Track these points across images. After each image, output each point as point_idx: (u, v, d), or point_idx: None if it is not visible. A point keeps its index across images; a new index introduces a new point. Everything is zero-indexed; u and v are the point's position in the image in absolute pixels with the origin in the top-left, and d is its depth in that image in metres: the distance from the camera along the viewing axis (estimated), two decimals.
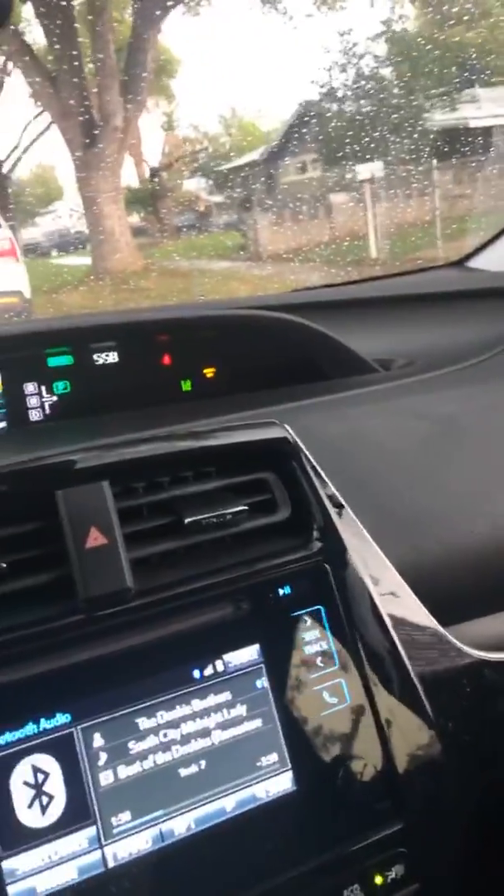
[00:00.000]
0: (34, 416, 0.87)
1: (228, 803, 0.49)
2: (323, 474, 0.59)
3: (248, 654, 0.52)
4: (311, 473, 0.59)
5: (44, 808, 0.46)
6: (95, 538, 0.51)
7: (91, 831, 0.46)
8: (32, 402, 0.87)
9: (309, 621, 0.54)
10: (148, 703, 0.49)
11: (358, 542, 0.58)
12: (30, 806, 0.46)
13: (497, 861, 0.59)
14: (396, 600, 0.57)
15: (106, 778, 0.47)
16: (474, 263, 1.24)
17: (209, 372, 0.93)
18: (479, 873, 0.57)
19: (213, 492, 0.58)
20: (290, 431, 0.60)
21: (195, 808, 0.48)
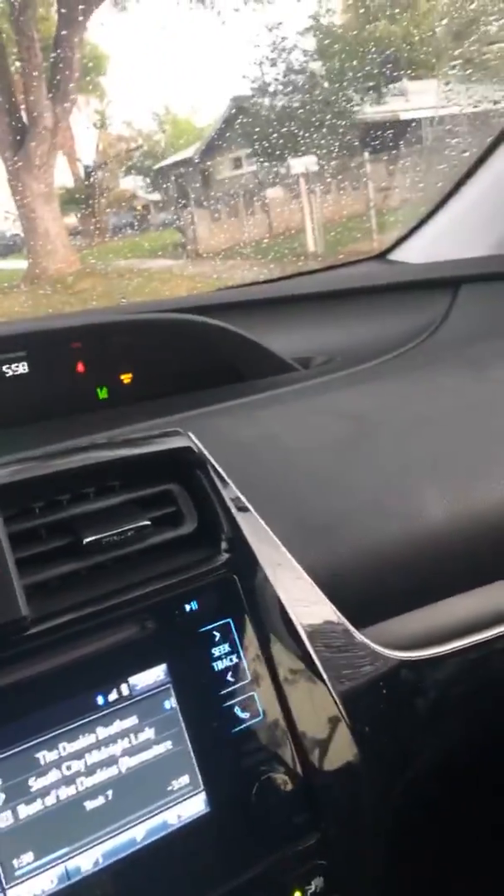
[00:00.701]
0: None
1: (138, 833, 0.47)
2: (228, 480, 0.58)
3: (154, 675, 0.50)
4: (217, 482, 0.57)
5: None
6: None
7: None
8: None
9: (218, 636, 0.53)
10: (49, 736, 0.47)
11: (268, 550, 0.56)
12: None
13: (416, 866, 0.59)
14: (309, 606, 0.56)
15: (5, 819, 0.45)
16: (395, 256, 1.24)
17: (126, 378, 0.90)
18: (400, 880, 0.56)
19: (117, 507, 0.56)
20: (195, 440, 0.59)
21: (102, 841, 0.47)
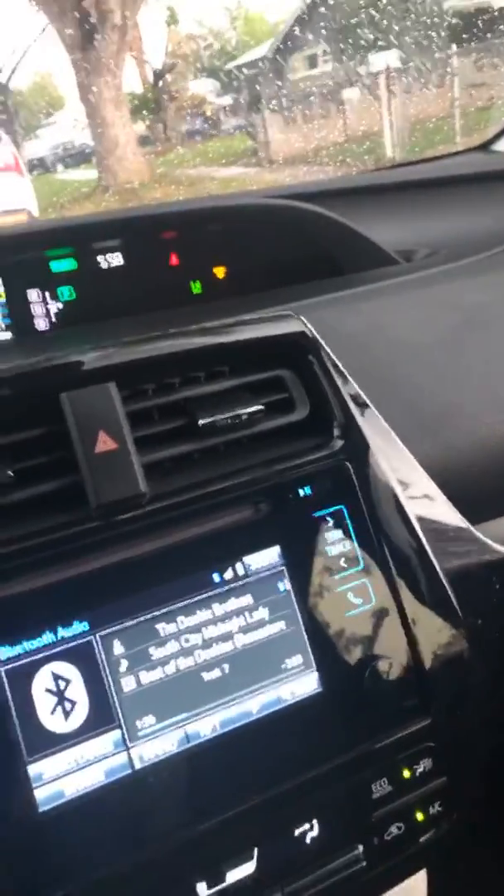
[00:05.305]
0: (40, 324, 0.83)
1: (253, 705, 0.48)
2: (344, 371, 0.56)
3: (268, 557, 0.50)
4: (332, 369, 0.55)
5: (67, 714, 0.45)
6: (105, 442, 0.48)
7: (116, 734, 0.46)
8: (37, 310, 0.83)
9: (331, 522, 0.52)
10: (167, 609, 0.48)
11: (381, 440, 0.55)
12: (52, 712, 0.45)
13: None
14: (422, 498, 0.55)
15: (128, 683, 0.46)
16: (499, 147, 1.15)
17: (219, 272, 0.88)
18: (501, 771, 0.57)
19: (228, 392, 0.55)
20: (308, 325, 0.56)
21: (220, 710, 0.48)
